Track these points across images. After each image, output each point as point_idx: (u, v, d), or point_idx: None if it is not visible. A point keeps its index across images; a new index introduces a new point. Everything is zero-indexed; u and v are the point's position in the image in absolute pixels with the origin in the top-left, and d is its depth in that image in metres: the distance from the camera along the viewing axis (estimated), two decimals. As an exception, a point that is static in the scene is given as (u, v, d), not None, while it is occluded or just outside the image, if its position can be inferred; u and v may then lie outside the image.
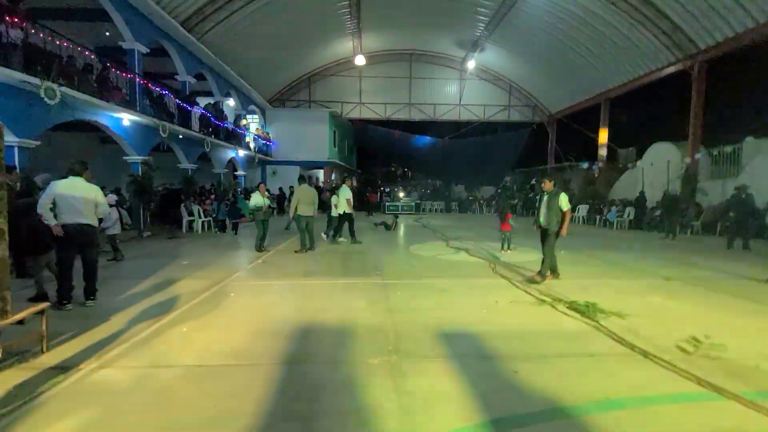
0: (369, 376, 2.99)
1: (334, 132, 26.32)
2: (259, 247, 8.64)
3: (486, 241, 10.71)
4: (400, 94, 28.05)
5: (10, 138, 7.89)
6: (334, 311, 4.61)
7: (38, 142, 8.72)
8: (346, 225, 10.20)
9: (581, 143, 24.67)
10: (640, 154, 19.24)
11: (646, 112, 22.55)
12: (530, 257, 8.41)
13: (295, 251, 8.62)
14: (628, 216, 15.26)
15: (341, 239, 10.36)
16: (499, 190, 28.20)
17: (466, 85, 27.82)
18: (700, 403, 2.67)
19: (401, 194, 26.57)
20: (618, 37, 17.08)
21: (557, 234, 5.96)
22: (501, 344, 3.59)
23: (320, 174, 26.98)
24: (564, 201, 5.94)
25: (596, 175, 22.17)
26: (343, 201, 9.93)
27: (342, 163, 28.48)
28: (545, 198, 6.15)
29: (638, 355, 3.37)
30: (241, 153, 20.33)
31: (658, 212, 13.85)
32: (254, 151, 21.73)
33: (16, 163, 8.01)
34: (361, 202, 21.70)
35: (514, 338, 3.76)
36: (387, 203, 23.72)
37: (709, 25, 13.73)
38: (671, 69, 16.14)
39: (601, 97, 21.19)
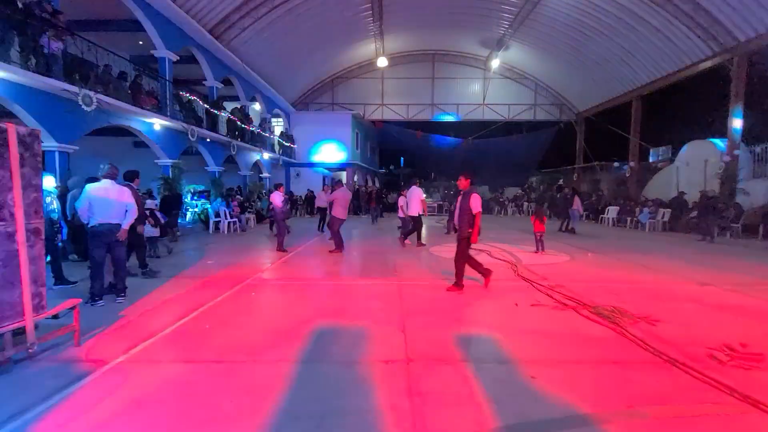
0: (383, 377, 2.98)
1: (357, 134, 26.52)
2: (281, 247, 8.82)
3: (508, 243, 10.48)
4: (422, 94, 27.96)
5: (51, 143, 8.39)
6: (350, 311, 4.64)
7: (76, 147, 9.23)
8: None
9: (611, 142, 23.81)
10: (674, 153, 18.39)
11: (680, 109, 21.51)
12: (557, 259, 8.18)
13: (330, 251, 8.78)
14: (662, 218, 14.59)
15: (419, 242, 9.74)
16: (523, 191, 27.59)
17: (490, 84, 27.42)
18: (732, 417, 2.52)
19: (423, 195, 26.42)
20: (651, 32, 16.40)
21: (468, 240, 5.34)
22: (519, 348, 3.50)
23: (343, 176, 27.24)
24: (475, 202, 5.30)
25: (627, 175, 21.34)
26: (415, 203, 9.43)
27: (364, 165, 28.65)
28: (459, 198, 5.49)
29: (666, 363, 3.21)
30: (266, 155, 20.80)
31: (694, 213, 13.18)
32: (278, 153, 22.20)
33: (57, 167, 8.52)
34: (383, 204, 21.76)
35: (533, 343, 3.67)
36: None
37: (749, 15, 12.99)
38: (708, 63, 15.35)
39: (633, 94, 20.38)
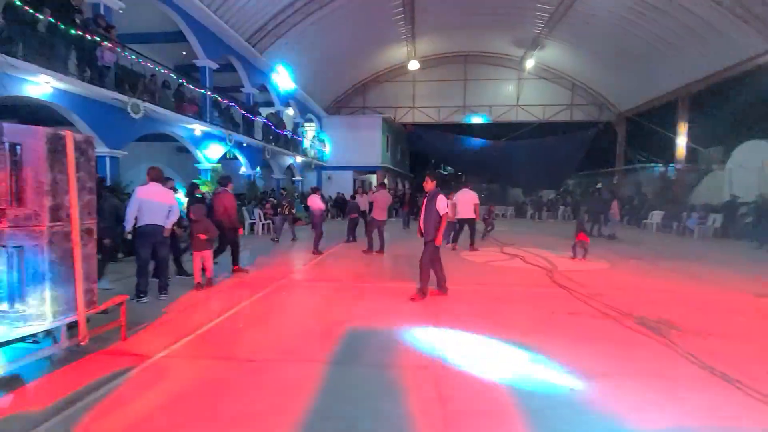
0: (414, 383, 2.95)
1: (387, 137, 26.62)
2: (316, 249, 8.99)
3: (543, 248, 10.13)
4: (454, 96, 27.69)
5: (102, 149, 8.97)
6: (381, 314, 4.63)
7: (125, 152, 9.82)
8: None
9: (655, 143, 22.56)
10: (726, 154, 17.16)
11: (733, 107, 20.09)
12: (596, 266, 7.83)
13: (375, 251, 8.99)
14: (713, 223, 13.62)
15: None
16: (558, 195, 26.60)
17: (524, 85, 26.75)
18: (800, 443, 2.29)
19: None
20: (701, 26, 15.41)
21: (433, 243, 5.05)
22: (557, 358, 3.36)
23: (373, 179, 27.39)
24: (441, 204, 4.99)
25: (673, 178, 20.14)
26: (467, 206, 9.31)
27: (395, 168, 28.69)
28: (425, 200, 5.22)
29: (720, 380, 2.98)
30: (299, 159, 21.29)
31: (749, 219, 12.23)
32: (311, 157, 22.67)
33: (107, 171, 9.09)
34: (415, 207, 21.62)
35: (572, 353, 3.51)
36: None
37: (815, 4, 11.94)
38: (766, 58, 14.22)
39: (680, 92, 19.23)
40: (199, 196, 7.25)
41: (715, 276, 6.98)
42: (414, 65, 24.61)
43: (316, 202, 9.23)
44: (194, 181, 6.38)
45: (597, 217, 12.97)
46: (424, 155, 33.59)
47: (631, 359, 3.40)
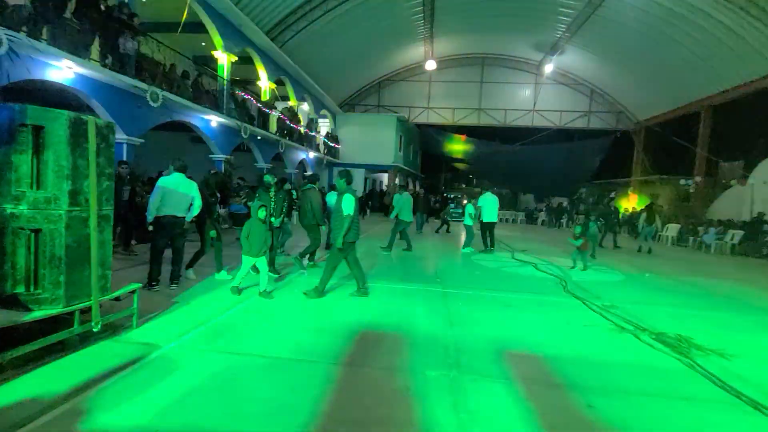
0: (427, 389, 2.87)
1: (401, 136, 26.52)
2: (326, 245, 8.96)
3: (555, 256, 9.97)
4: (469, 98, 27.47)
5: (120, 135, 9.03)
6: (392, 316, 4.56)
7: (143, 140, 9.89)
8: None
9: (673, 154, 22.09)
10: (747, 169, 16.73)
11: (757, 121, 19.57)
12: (610, 278, 7.67)
13: (382, 247, 9.16)
14: (732, 239, 13.28)
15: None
16: (572, 202, 26.18)
17: (542, 89, 26.42)
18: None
19: (465, 201, 25.93)
20: (727, 35, 15.03)
21: (339, 246, 4.91)
22: (573, 372, 3.25)
23: (384, 178, 27.33)
24: (348, 204, 4.90)
25: (691, 191, 19.70)
26: (491, 209, 9.65)
27: (407, 168, 28.58)
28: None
29: (746, 405, 2.85)
30: (312, 155, 21.30)
31: (770, 237, 11.90)
32: (323, 153, 22.68)
33: (124, 157, 9.15)
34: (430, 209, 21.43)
35: (589, 367, 3.40)
36: (451, 210, 23.23)
37: None
38: (795, 71, 13.82)
39: (703, 103, 18.81)
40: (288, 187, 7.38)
41: (734, 293, 6.77)
42: (431, 65, 24.44)
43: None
44: (265, 175, 6.41)
45: (611, 228, 12.72)
46: (436, 156, 33.38)
47: (652, 378, 3.28)
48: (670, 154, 22.44)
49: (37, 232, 3.01)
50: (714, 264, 10.64)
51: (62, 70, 7.61)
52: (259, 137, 15.52)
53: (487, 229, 9.85)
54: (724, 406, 2.86)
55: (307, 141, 20.33)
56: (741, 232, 13.19)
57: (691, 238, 14.83)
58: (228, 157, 13.68)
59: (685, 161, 20.82)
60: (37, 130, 2.97)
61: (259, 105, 15.44)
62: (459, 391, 2.87)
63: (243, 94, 14.71)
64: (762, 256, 12.08)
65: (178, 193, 4.91)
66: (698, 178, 19.55)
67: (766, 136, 16.68)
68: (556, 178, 26.90)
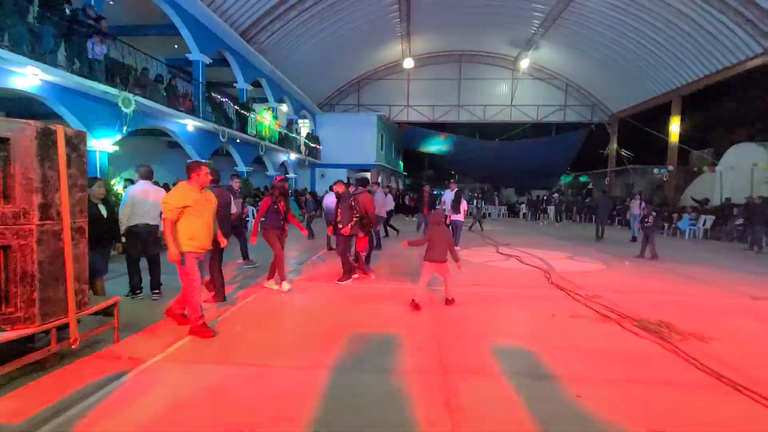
0: (417, 389, 2.88)
1: (382, 135, 26.51)
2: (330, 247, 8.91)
3: (538, 248, 10.15)
4: (448, 95, 27.67)
5: (92, 143, 8.72)
6: (380, 316, 4.56)
7: (117, 147, 9.57)
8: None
9: (647, 145, 22.82)
10: (717, 157, 17.41)
11: (724, 110, 20.39)
12: (592, 267, 7.86)
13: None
14: (704, 225, 13.80)
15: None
16: (553, 194, 26.74)
17: (519, 85, 26.84)
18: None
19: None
20: (694, 28, 15.60)
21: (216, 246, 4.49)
22: (560, 364, 3.32)
23: (367, 176, 27.27)
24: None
25: (664, 180, 20.39)
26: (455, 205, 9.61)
27: (389, 167, 28.60)
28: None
29: (727, 387, 2.96)
30: (293, 156, 21.07)
31: (740, 221, 12.41)
32: (304, 154, 22.46)
33: (98, 166, 8.85)
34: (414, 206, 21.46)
35: (576, 358, 3.47)
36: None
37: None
38: (758, 61, 14.46)
39: (673, 94, 19.46)
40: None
41: (709, 277, 7.03)
42: (409, 63, 24.50)
43: (331, 201, 9.04)
44: (286, 175, 6.40)
45: (604, 220, 12.89)
46: (418, 154, 33.54)
47: (636, 364, 3.37)
48: (643, 145, 23.18)
49: (6, 248, 2.88)
50: (688, 249, 11.03)
51: (27, 77, 7.29)
52: (238, 140, 15.25)
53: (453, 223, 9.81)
54: (706, 389, 2.96)
55: (287, 142, 20.09)
56: (712, 218, 13.72)
57: (665, 225, 15.33)
58: (208, 161, 13.39)
59: (657, 151, 21.52)
60: (3, 142, 2.83)
61: (236, 107, 15.16)
62: (450, 389, 2.88)
63: (220, 97, 14.41)
64: (731, 239, 12.58)
65: (146, 201, 4.81)
66: (671, 167, 20.24)
67: (731, 125, 17.40)
68: (534, 172, 27.42)
